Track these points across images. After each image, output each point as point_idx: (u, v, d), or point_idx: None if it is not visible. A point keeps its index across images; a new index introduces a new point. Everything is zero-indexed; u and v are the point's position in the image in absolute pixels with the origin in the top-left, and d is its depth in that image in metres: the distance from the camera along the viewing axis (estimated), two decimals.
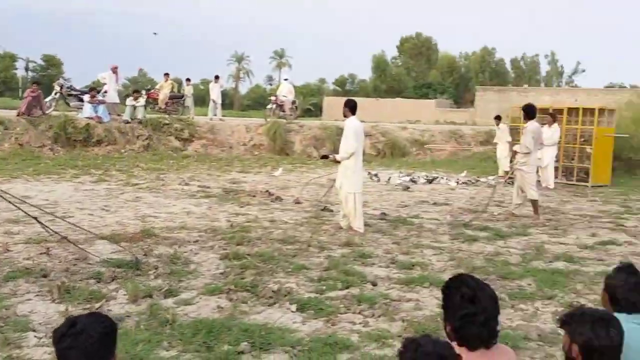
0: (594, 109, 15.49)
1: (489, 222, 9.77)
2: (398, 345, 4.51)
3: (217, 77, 22.09)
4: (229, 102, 74.35)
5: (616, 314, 2.86)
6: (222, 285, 5.79)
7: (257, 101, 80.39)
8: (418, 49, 74.50)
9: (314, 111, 59.04)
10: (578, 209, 11.60)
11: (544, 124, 14.60)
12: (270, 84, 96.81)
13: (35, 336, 4.46)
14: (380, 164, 19.70)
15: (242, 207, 10.39)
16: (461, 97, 67.25)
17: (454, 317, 2.72)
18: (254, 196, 11.53)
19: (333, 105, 52.48)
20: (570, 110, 16.12)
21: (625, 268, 3.28)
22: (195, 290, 5.71)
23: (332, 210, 10.26)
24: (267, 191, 11.97)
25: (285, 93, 22.15)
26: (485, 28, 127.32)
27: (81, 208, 9.55)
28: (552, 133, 14.66)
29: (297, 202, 10.98)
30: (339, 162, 8.93)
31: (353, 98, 10.25)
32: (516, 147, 10.77)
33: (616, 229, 9.52)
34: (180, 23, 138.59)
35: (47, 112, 17.42)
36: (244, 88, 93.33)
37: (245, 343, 4.43)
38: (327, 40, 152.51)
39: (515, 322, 5.13)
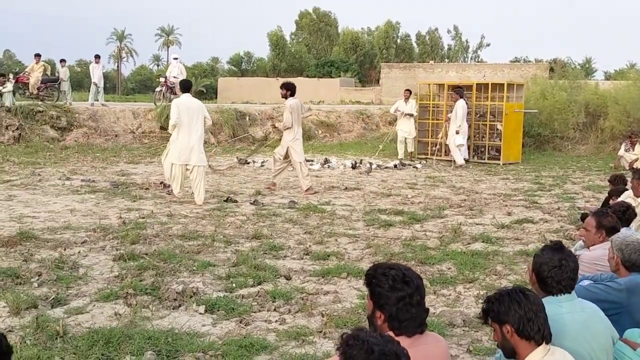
0: (502, 84, 16.24)
1: (404, 205, 10.03)
2: (319, 342, 4.58)
3: (97, 57, 21.14)
4: (110, 85, 71.71)
5: (544, 300, 3.02)
6: (119, 290, 5.56)
7: (143, 84, 78.17)
8: (317, 24, 75.01)
9: (207, 93, 58.19)
10: (492, 187, 12.17)
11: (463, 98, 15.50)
12: (158, 65, 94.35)
13: None
14: None
15: (134, 201, 10.05)
16: (366, 75, 68.52)
17: (388, 304, 2.75)
18: (147, 189, 11.20)
19: (229, 86, 51.99)
20: (479, 85, 16.79)
21: (552, 246, 3.46)
22: (87, 297, 5.46)
23: (236, 201, 10.14)
24: (161, 183, 11.63)
25: (176, 74, 21.52)
26: (387, 1, 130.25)
27: None
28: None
29: None
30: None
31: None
32: (278, 124, 12.16)
33: (531, 207, 10.06)
34: None
35: None
36: (127, 70, 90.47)
37: (150, 352, 4.27)
38: (220, 15, 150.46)
39: (439, 309, 5.29)
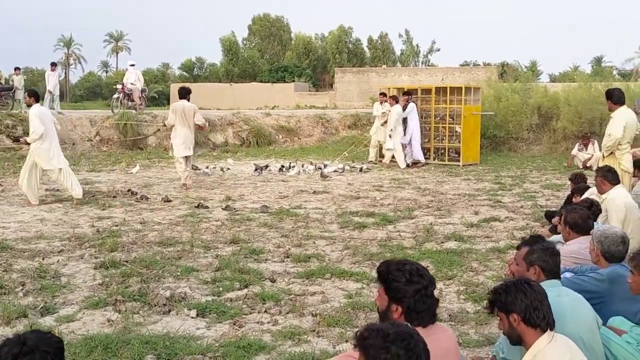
0: (460, 88, 16.65)
1: (375, 207, 10.23)
2: (314, 340, 4.71)
3: (54, 65, 20.80)
4: (59, 93, 70.42)
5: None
6: (106, 297, 5.58)
7: (92, 91, 76.82)
8: (269, 29, 75.06)
9: (159, 99, 57.53)
10: (455, 188, 12.49)
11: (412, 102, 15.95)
12: (106, 71, 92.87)
13: None
14: (246, 153, 19.77)
15: (103, 209, 9.98)
16: (319, 79, 68.88)
17: (406, 297, 2.92)
18: (114, 197, 11.11)
19: None
20: (437, 89, 17.17)
21: (530, 238, 3.73)
22: (75, 305, 5.46)
23: (207, 207, 10.17)
24: (129, 190, 11.57)
25: (133, 80, 21.39)
26: (339, 6, 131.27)
27: None
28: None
29: (167, 200, 10.74)
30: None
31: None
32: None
33: (495, 206, 10.40)
34: None
35: None
36: (75, 77, 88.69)
37: (151, 356, 4.34)
38: (170, 21, 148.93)
39: None
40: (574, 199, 7.42)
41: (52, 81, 20.43)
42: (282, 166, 15.50)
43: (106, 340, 4.55)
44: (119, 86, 20.97)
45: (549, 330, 2.97)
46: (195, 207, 10.21)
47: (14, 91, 19.63)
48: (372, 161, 16.90)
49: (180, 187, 12.29)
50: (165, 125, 14.22)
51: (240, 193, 11.84)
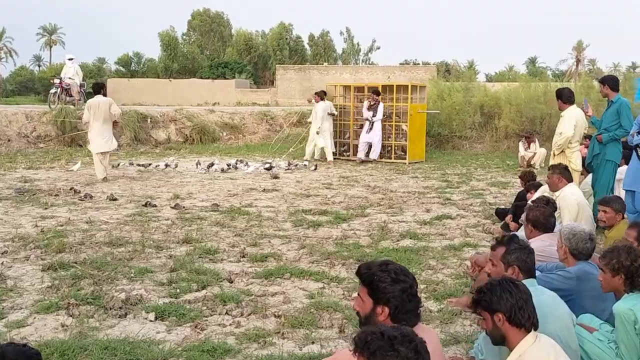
0: (407, 86, 16.79)
1: (327, 205, 10.19)
2: (279, 342, 4.61)
3: None
4: None
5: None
6: (58, 300, 5.33)
7: (24, 85, 74.11)
8: (209, 25, 74.15)
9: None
10: (404, 186, 12.57)
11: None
12: (39, 65, 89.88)
13: None
14: (190, 151, 19.42)
15: (45, 209, 9.59)
16: (260, 76, 68.53)
17: (393, 297, 2.86)
18: (56, 195, 10.69)
19: (119, 88, 50.14)
20: (384, 87, 17.27)
21: (505, 238, 3.73)
22: (25, 310, 5.18)
23: (155, 205, 9.91)
24: (71, 189, 11.16)
25: (72, 75, 20.69)
26: (280, 3, 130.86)
27: None
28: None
29: (112, 198, 10.40)
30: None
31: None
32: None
33: (446, 204, 10.51)
34: None
35: None
36: (5, 71, 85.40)
37: None
38: (107, 14, 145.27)
39: None
40: (528, 195, 7.57)
41: None
42: (229, 164, 15.27)
43: (62, 347, 4.34)
44: (57, 81, 20.23)
45: (533, 330, 2.97)
46: (143, 205, 9.93)
47: None
48: (307, 159, 16.81)
49: (101, 182, 12.46)
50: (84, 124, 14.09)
51: (188, 191, 11.60)
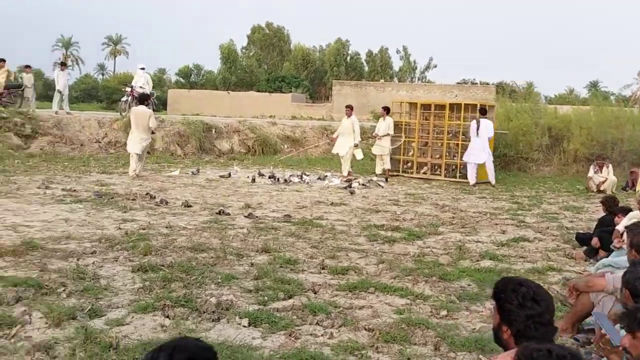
0: (475, 105, 16.65)
1: (397, 221, 10.16)
2: (374, 356, 4.59)
3: (63, 65, 20.68)
4: (53, 93, 69.97)
5: None
6: (153, 301, 5.45)
7: (88, 93, 76.39)
8: (269, 39, 75.14)
9: (156, 104, 57.22)
10: (473, 206, 12.44)
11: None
12: (103, 74, 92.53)
13: None
14: (253, 162, 19.66)
15: (125, 212, 9.84)
16: (316, 91, 68.98)
17: (517, 321, 2.83)
18: (133, 200, 10.97)
19: (179, 98, 51.37)
20: (451, 105, 17.17)
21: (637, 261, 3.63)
22: (122, 309, 5.32)
23: (229, 214, 10.07)
24: (147, 194, 11.44)
25: (142, 84, 21.24)
26: (338, 19, 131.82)
27: None
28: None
29: (187, 205, 10.62)
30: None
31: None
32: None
33: (521, 226, 10.34)
34: None
35: None
36: (71, 78, 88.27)
37: None
38: (168, 26, 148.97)
39: (478, 325, 5.39)
40: (616, 220, 7.40)
41: (61, 81, 20.22)
42: (297, 175, 15.52)
43: None
44: (128, 89, 20.81)
45: None
46: (217, 213, 10.10)
47: (23, 89, 19.43)
48: (378, 175, 16.86)
49: (132, 179, 13.81)
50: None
51: (258, 201, 11.74)
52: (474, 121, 15.85)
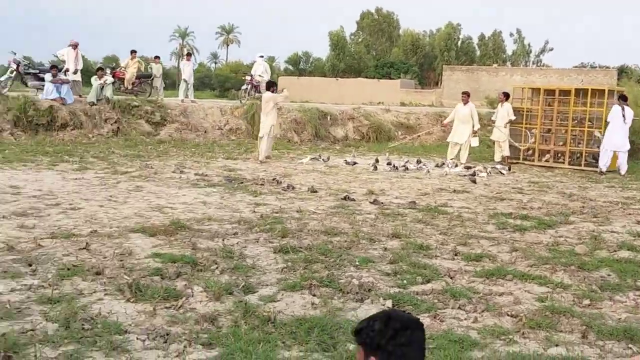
0: (603, 91, 15.99)
1: (525, 210, 10.02)
2: (522, 342, 4.65)
3: (189, 55, 21.70)
4: (169, 82, 73.24)
5: None
6: (300, 281, 5.76)
7: (202, 81, 79.40)
8: (379, 25, 75.04)
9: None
10: (603, 195, 12.03)
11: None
12: (215, 62, 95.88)
13: (138, 338, 4.35)
14: (368, 149, 19.84)
15: (255, 196, 10.31)
16: (424, 77, 68.23)
17: None
18: (261, 185, 11.45)
19: (288, 85, 52.43)
20: (577, 91, 16.57)
21: None
22: (272, 286, 5.67)
23: (354, 200, 10.31)
24: (274, 179, 11.91)
25: (261, 72, 21.92)
26: (450, 3, 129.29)
27: (85, 199, 9.27)
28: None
29: (313, 190, 10.96)
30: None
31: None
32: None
33: None
34: None
35: (2, 92, 16.73)
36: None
37: None
38: (278, 14, 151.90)
39: (623, 315, 5.31)
40: None
41: (187, 70, 21.25)
42: (437, 164, 15.71)
43: (319, 323, 4.71)
44: (248, 78, 21.55)
45: None
46: (342, 199, 10.36)
47: (152, 79, 20.60)
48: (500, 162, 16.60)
49: (259, 161, 14.86)
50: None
51: (380, 188, 11.91)
52: (619, 107, 15.25)
